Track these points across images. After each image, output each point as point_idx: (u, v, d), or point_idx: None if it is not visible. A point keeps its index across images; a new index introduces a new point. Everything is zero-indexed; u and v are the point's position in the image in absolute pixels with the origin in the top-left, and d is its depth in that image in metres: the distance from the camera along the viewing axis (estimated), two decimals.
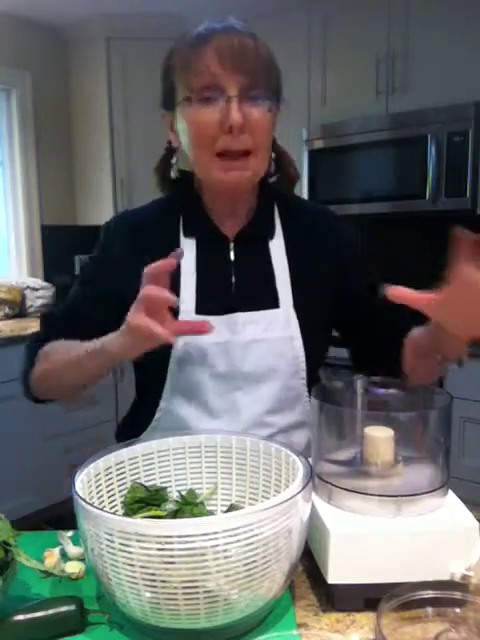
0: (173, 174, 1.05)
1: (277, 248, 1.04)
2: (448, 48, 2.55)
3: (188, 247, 1.02)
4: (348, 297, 1.08)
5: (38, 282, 3.34)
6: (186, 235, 1.03)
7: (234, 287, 1.01)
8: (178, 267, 1.00)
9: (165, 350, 0.97)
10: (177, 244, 1.02)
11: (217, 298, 1.00)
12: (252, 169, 0.95)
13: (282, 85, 0.98)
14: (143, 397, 1.10)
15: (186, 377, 0.99)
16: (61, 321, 1.05)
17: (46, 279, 3.47)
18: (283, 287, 1.02)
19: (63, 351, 0.96)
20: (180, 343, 0.97)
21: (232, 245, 1.03)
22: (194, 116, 0.92)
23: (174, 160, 1.04)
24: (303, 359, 1.01)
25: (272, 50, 0.95)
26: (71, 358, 0.93)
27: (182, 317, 0.98)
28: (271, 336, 0.99)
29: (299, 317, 1.01)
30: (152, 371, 1.02)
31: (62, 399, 1.06)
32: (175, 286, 1.00)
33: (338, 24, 2.86)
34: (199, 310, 0.99)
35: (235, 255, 1.03)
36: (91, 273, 1.07)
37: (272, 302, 1.01)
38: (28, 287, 3.27)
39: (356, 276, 1.10)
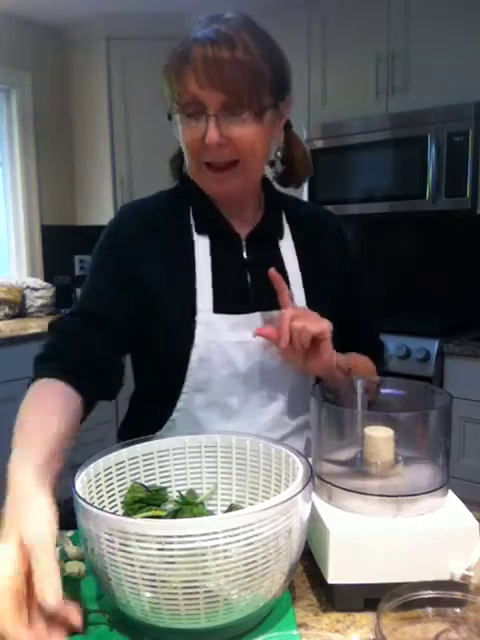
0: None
1: (287, 247, 1.05)
2: (448, 48, 2.54)
3: (201, 244, 1.02)
4: (341, 302, 1.08)
5: (38, 282, 3.34)
6: (199, 232, 1.02)
7: (251, 286, 1.02)
8: (193, 265, 1.00)
9: (185, 350, 0.97)
10: (190, 239, 1.01)
11: (234, 297, 1.01)
12: (242, 177, 0.95)
13: (286, 77, 0.96)
14: (154, 397, 1.07)
15: (206, 376, 0.99)
16: (73, 320, 0.99)
17: (46, 279, 3.47)
18: (296, 286, 1.03)
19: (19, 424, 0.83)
20: (200, 341, 0.97)
21: (245, 244, 1.03)
22: (182, 128, 0.93)
23: None
24: None
25: (269, 44, 0.92)
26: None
27: (200, 316, 0.97)
28: None
29: None
30: (171, 370, 1.01)
31: None
32: (191, 285, 0.99)
33: (338, 24, 2.85)
34: (217, 309, 0.98)
35: (248, 254, 1.03)
36: (102, 260, 1.03)
37: None
38: (28, 287, 3.27)
39: (352, 285, 1.13)
